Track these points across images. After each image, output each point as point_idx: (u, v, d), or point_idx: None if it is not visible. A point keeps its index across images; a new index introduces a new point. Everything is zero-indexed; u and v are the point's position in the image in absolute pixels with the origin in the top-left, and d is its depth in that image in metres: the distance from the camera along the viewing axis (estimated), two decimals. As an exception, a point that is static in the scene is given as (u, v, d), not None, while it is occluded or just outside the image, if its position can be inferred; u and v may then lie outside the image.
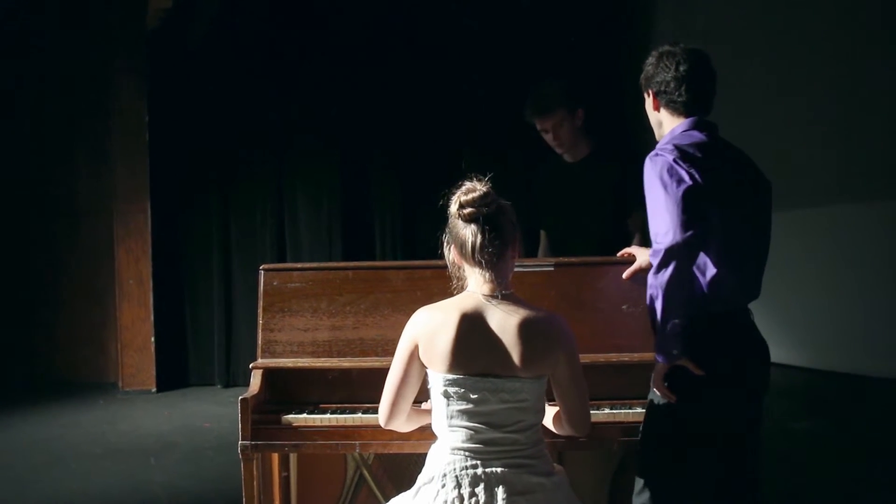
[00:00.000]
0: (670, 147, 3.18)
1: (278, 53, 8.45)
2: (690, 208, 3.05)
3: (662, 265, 3.05)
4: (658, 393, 3.20)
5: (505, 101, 7.91)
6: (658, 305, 3.08)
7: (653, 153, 3.19)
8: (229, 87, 8.39)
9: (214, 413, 7.49)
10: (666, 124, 3.36)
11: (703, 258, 3.15)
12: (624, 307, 3.65)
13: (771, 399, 7.30)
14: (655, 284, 3.08)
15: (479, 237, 3.01)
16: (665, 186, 3.09)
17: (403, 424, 3.21)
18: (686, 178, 3.09)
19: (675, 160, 3.12)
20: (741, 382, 3.22)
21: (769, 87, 8.49)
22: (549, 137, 4.80)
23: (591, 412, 3.39)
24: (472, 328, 2.99)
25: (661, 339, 3.11)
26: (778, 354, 8.61)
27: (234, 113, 8.42)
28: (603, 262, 3.76)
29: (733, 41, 8.72)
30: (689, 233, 3.03)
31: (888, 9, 7.79)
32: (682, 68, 3.29)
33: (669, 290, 3.05)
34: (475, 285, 3.08)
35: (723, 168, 3.22)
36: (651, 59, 3.36)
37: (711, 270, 3.16)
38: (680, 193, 3.06)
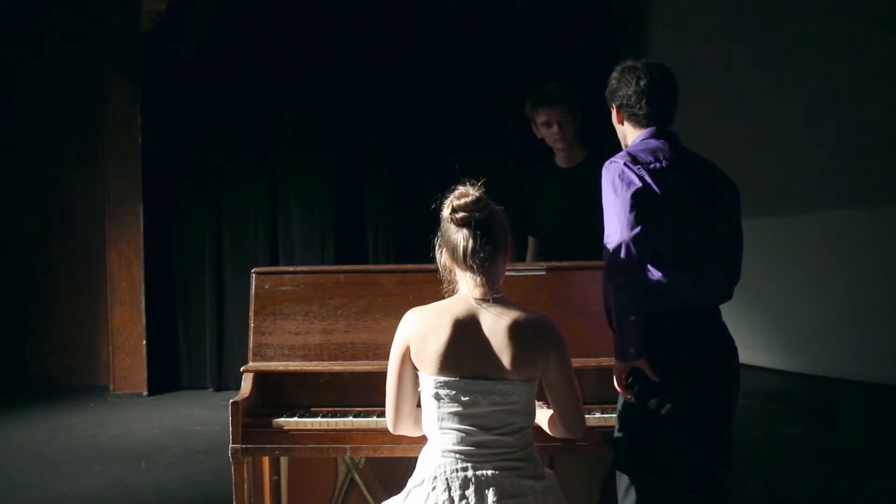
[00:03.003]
0: (623, 153, 3.29)
1: (272, 58, 8.44)
2: (638, 207, 3.13)
3: (612, 263, 3.12)
4: (620, 392, 3.28)
5: (499, 106, 7.94)
6: (612, 303, 3.15)
7: (608, 161, 3.27)
8: (222, 90, 8.39)
9: (206, 416, 7.48)
10: (629, 137, 3.45)
11: (656, 257, 3.21)
12: (615, 312, 3.65)
13: (762, 404, 7.37)
14: (606, 283, 3.16)
15: (471, 242, 3.02)
16: (616, 190, 3.18)
17: (412, 428, 3.20)
18: (636, 180, 3.17)
19: (625, 164, 3.21)
20: (702, 379, 3.25)
21: (761, 92, 8.52)
22: (551, 131, 4.80)
23: (582, 416, 3.41)
24: (464, 331, 3.00)
25: (618, 339, 3.18)
26: (769, 359, 8.71)
27: (227, 116, 8.41)
28: (594, 266, 3.76)
29: (725, 47, 8.75)
30: (636, 230, 3.10)
31: (880, 15, 7.81)
32: (642, 83, 3.37)
33: (621, 287, 3.12)
34: (466, 289, 3.08)
35: (676, 172, 3.27)
36: (614, 74, 3.45)
37: (665, 269, 3.21)
38: (629, 195, 3.14)
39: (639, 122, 3.41)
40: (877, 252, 7.92)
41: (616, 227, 3.13)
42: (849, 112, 7.98)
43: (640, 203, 3.14)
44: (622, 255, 3.10)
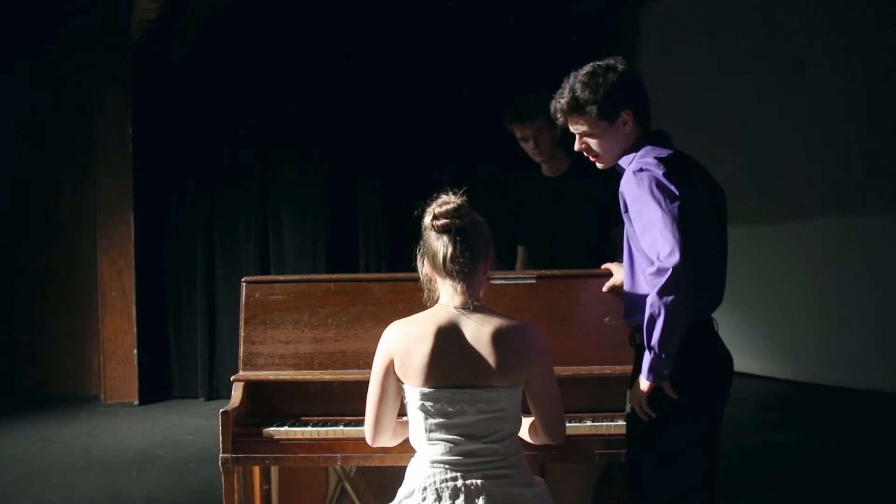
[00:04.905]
0: (654, 161, 3.11)
1: (264, 66, 8.44)
2: (686, 221, 2.99)
3: (669, 285, 2.97)
4: (636, 410, 3.18)
5: (492, 116, 7.92)
6: (659, 324, 3.00)
7: (635, 168, 3.13)
8: (214, 99, 8.37)
9: (197, 426, 7.46)
10: (631, 140, 3.26)
11: None
12: (606, 320, 3.65)
13: (754, 411, 7.38)
14: (658, 304, 2.99)
15: (451, 248, 3.02)
16: (659, 202, 3.02)
17: (390, 440, 3.21)
18: (675, 190, 3.03)
19: (664, 175, 3.06)
20: (710, 391, 3.21)
21: (754, 100, 8.54)
22: (528, 146, 4.81)
23: (574, 425, 3.40)
24: (447, 341, 3.00)
25: (657, 360, 3.06)
26: (762, 367, 8.73)
27: (219, 125, 8.40)
28: (584, 274, 3.76)
29: (718, 53, 8.77)
30: (692, 252, 2.96)
31: (875, 22, 7.84)
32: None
33: (674, 310, 2.98)
34: (447, 297, 3.09)
35: (693, 179, 3.17)
36: (607, 81, 3.22)
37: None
38: (676, 210, 3.00)
39: (646, 123, 3.27)
40: (869, 260, 7.94)
41: (672, 246, 2.97)
42: (842, 120, 8.00)
43: (686, 216, 3.00)
44: (682, 275, 2.96)
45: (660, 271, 2.99)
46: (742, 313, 8.45)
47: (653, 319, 3.02)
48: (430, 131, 8.41)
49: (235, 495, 3.53)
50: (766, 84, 8.44)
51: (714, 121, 8.68)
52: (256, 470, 3.83)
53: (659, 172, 3.07)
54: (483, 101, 8.17)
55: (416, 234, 3.16)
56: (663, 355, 3.04)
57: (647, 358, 3.08)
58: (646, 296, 3.07)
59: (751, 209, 8.43)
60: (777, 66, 8.36)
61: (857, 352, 7.94)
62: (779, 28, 8.40)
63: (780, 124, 8.39)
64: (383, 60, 8.49)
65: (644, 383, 3.12)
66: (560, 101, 3.29)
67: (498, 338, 3.00)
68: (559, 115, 3.31)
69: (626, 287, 3.30)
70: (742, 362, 8.28)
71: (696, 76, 8.87)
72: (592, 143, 3.30)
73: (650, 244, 3.05)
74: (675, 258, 2.96)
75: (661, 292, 2.98)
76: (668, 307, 2.98)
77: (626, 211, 3.18)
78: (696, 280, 3.00)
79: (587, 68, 3.27)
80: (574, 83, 3.26)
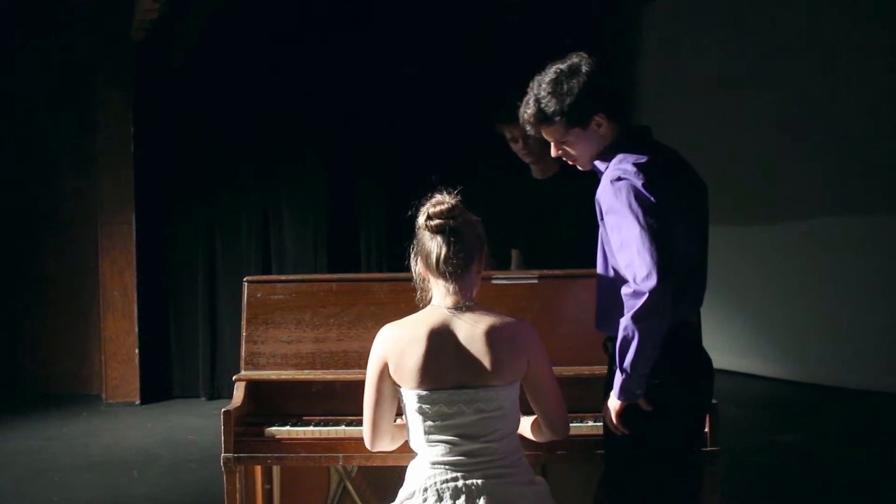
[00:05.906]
0: (633, 170, 2.99)
1: (264, 66, 8.45)
2: (662, 236, 2.89)
3: (644, 311, 2.88)
4: (609, 426, 3.13)
5: (490, 118, 7.93)
6: (633, 348, 2.92)
7: (613, 176, 3.01)
8: (215, 99, 8.39)
9: (198, 425, 7.46)
10: (608, 140, 3.14)
11: None
12: (607, 319, 3.65)
13: (755, 411, 7.38)
14: (632, 328, 2.90)
15: (444, 249, 3.02)
16: (637, 217, 2.91)
17: (389, 444, 3.21)
18: (652, 198, 2.93)
19: (643, 185, 2.94)
20: (690, 394, 3.14)
21: (755, 99, 8.54)
22: (517, 147, 4.79)
23: (576, 425, 3.40)
24: (441, 342, 3.00)
25: (628, 380, 2.98)
26: (762, 367, 8.73)
27: (220, 125, 8.41)
28: (585, 274, 3.74)
29: (719, 53, 8.77)
30: (670, 274, 2.87)
31: (875, 23, 7.84)
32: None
33: (649, 335, 2.91)
34: (439, 298, 3.08)
35: (678, 179, 3.09)
36: (572, 88, 3.07)
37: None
38: (655, 225, 2.89)
39: (622, 121, 3.12)
40: (870, 260, 7.94)
41: (650, 268, 2.86)
42: (842, 120, 8.00)
43: (662, 228, 2.89)
44: (659, 299, 2.86)
45: (636, 294, 2.89)
46: (742, 313, 8.45)
47: (626, 342, 2.94)
48: (430, 131, 8.42)
49: (237, 495, 3.53)
50: (767, 84, 8.44)
51: (715, 120, 8.69)
52: (258, 469, 3.83)
53: (638, 182, 2.95)
54: (482, 101, 8.17)
55: (413, 233, 3.16)
56: (634, 375, 2.98)
57: (619, 378, 3.01)
58: (619, 304, 2.99)
59: (751, 209, 8.44)
60: (777, 66, 8.36)
61: (858, 352, 7.94)
62: (779, 28, 8.41)
63: (780, 124, 8.39)
64: (383, 61, 8.49)
65: (615, 402, 3.06)
66: (527, 112, 3.18)
67: (491, 336, 3.00)
68: (528, 127, 3.22)
69: (599, 294, 3.23)
70: (742, 362, 8.37)
71: (696, 76, 8.87)
72: (568, 148, 3.21)
73: (626, 263, 2.94)
74: (652, 282, 2.86)
75: (636, 317, 2.89)
76: (642, 332, 2.90)
77: (602, 218, 3.09)
78: (674, 296, 2.92)
79: (550, 75, 3.13)
80: (539, 92, 3.13)
